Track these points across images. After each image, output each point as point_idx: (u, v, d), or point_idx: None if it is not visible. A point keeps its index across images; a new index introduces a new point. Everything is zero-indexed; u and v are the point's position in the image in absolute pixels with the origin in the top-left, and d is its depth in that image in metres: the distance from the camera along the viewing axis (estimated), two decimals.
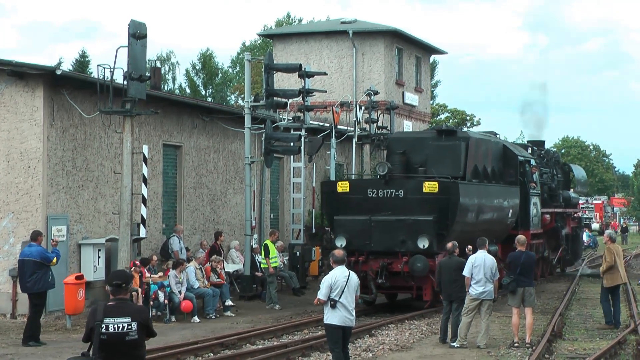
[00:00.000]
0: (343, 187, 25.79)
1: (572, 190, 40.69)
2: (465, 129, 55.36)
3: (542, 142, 39.50)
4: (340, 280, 14.18)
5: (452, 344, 19.01)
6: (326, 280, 14.26)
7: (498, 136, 32.92)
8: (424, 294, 24.94)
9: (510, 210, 29.33)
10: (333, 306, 14.11)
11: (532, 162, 32.62)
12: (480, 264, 18.89)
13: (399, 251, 24.65)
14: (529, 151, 34.51)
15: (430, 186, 24.75)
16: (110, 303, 9.50)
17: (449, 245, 20.12)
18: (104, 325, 9.27)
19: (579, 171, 44.67)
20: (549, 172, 36.25)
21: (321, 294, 14.20)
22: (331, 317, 14.19)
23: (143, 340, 9.57)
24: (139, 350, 9.51)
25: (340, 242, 24.89)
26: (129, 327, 9.35)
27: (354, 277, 14.40)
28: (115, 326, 9.31)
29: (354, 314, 14.35)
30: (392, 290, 26.14)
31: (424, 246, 24.37)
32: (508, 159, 30.40)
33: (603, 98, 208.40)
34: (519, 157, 30.79)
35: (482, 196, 27.13)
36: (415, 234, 24.48)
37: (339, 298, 14.09)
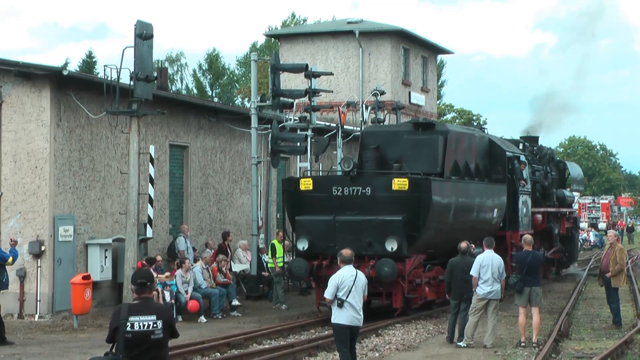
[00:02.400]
0: (306, 184, 23.75)
1: (568, 188, 39.00)
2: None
3: (536, 138, 37.67)
4: (347, 279, 14.18)
5: (458, 343, 19.01)
6: (333, 280, 14.28)
7: (485, 131, 31.39)
8: (393, 300, 23.14)
9: (496, 210, 27.52)
10: (340, 305, 14.12)
11: (522, 158, 30.77)
12: (488, 264, 18.87)
13: (366, 254, 22.49)
14: (520, 147, 32.75)
15: (399, 183, 22.81)
16: (134, 302, 9.37)
17: (463, 245, 20.05)
18: (129, 324, 9.10)
19: (575, 169, 42.58)
20: (541, 169, 34.58)
21: (327, 293, 14.22)
22: (339, 316, 14.20)
23: (167, 340, 9.37)
24: (163, 351, 9.33)
25: (302, 244, 23.17)
26: (155, 325, 9.18)
27: (361, 276, 14.40)
28: (141, 324, 9.14)
29: (361, 313, 14.34)
30: None
31: (392, 249, 22.37)
32: (495, 155, 28.51)
33: (610, 98, 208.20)
34: (507, 153, 28.91)
35: (460, 194, 25.31)
36: (383, 236, 22.53)
37: (347, 297, 14.10)
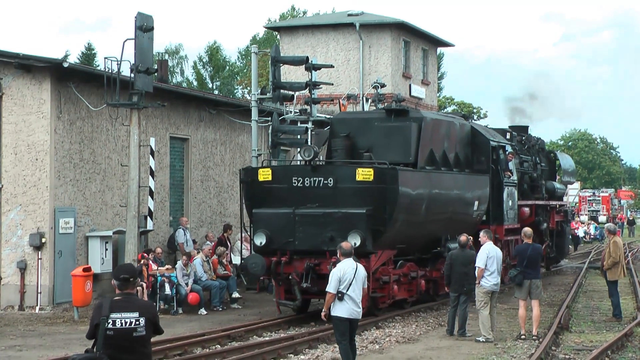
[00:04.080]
0: (265, 174, 22.06)
1: (558, 180, 37.39)
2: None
3: (525, 128, 35.60)
4: (348, 272, 14.21)
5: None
6: (335, 274, 14.29)
7: (472, 119, 29.86)
8: None
9: (477, 202, 25.78)
10: (340, 298, 14.14)
11: (508, 148, 29.01)
12: (494, 256, 18.91)
13: (327, 250, 20.78)
14: (508, 137, 30.95)
15: (364, 174, 21.17)
16: (116, 298, 9.12)
17: (463, 238, 20.08)
18: (110, 321, 8.87)
19: (566, 160, 40.48)
20: (530, 160, 32.83)
21: (330, 287, 14.22)
22: (339, 309, 14.22)
23: (150, 337, 9.14)
24: (145, 347, 9.09)
25: (260, 239, 21.51)
26: (137, 322, 8.95)
27: (361, 269, 14.43)
28: (123, 321, 8.91)
29: (361, 306, 14.38)
30: (320, 296, 21.37)
31: (355, 244, 19.90)
32: (478, 144, 26.88)
33: (613, 91, 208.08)
34: (491, 142, 27.22)
35: (434, 186, 23.60)
36: (345, 230, 20.76)
37: (347, 290, 14.12)
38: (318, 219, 21.23)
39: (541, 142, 35.86)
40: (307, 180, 21.52)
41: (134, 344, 8.97)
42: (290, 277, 21.22)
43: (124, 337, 8.91)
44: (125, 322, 8.92)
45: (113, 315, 8.90)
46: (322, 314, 14.74)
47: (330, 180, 21.37)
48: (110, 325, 8.88)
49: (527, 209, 30.84)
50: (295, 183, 21.63)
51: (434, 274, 24.31)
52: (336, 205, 21.18)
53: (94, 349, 8.90)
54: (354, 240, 20.25)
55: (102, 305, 9.02)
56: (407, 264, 23.14)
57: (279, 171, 22.66)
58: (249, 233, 22.39)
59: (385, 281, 22.00)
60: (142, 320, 8.98)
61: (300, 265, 21.20)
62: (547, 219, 34.09)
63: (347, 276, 14.18)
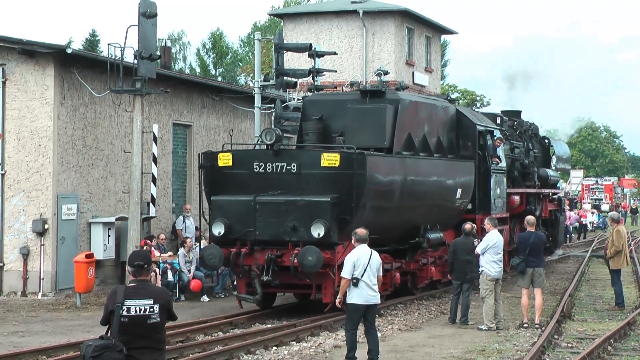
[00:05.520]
0: (225, 159, 20.51)
1: (552, 167, 35.40)
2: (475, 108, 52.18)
3: (518, 112, 33.95)
4: (363, 258, 14.24)
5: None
6: (349, 259, 14.30)
7: (457, 103, 27.88)
8: (323, 294, 19.80)
9: (460, 190, 24.18)
10: (355, 284, 14.13)
11: (497, 133, 27.38)
12: (499, 244, 18.94)
13: (289, 241, 19.50)
14: (498, 121, 29.30)
15: (329, 159, 19.63)
16: (130, 284, 9.18)
17: (467, 226, 20.13)
18: (125, 308, 8.90)
19: (560, 146, 38.72)
20: (522, 146, 31.12)
21: (345, 273, 14.22)
22: (355, 296, 14.23)
23: (164, 323, 9.19)
24: (160, 334, 9.15)
25: (218, 229, 19.92)
26: (151, 309, 8.98)
27: (376, 256, 14.45)
28: (137, 308, 8.93)
29: (377, 290, 14.34)
30: (284, 289, 21.18)
31: (319, 234, 19.13)
32: (463, 129, 25.37)
33: (617, 79, 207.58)
34: (478, 127, 25.69)
35: (410, 172, 21.94)
36: (309, 219, 19.33)
37: (362, 276, 14.13)
38: (280, 207, 19.69)
39: (534, 127, 34.29)
40: (269, 165, 20.02)
41: (149, 330, 9.00)
42: (250, 269, 19.77)
43: (139, 324, 8.95)
44: (140, 309, 8.95)
45: (127, 302, 8.93)
46: (337, 300, 14.74)
47: (294, 166, 19.86)
48: (124, 312, 8.91)
49: (517, 197, 29.19)
50: (256, 169, 20.13)
51: (412, 265, 22.92)
52: (300, 193, 19.69)
53: (108, 335, 8.94)
54: (318, 231, 19.17)
55: (116, 292, 9.04)
56: (381, 255, 21.98)
57: (240, 156, 20.95)
58: (208, 222, 20.76)
59: None
60: (156, 307, 9.01)
61: (261, 257, 19.66)
62: (540, 207, 32.45)
63: (362, 261, 14.19)
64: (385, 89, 22.67)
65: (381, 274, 14.61)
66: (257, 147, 22.53)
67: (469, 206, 25.19)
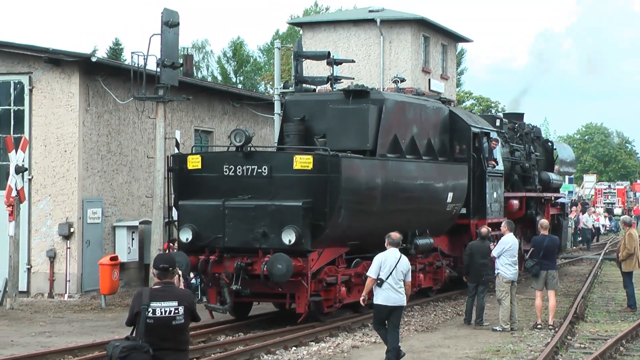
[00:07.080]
0: (194, 162, 19.45)
1: (555, 171, 34.08)
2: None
3: (521, 115, 32.71)
4: (390, 260, 14.47)
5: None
6: (377, 259, 14.58)
7: (452, 103, 27.08)
8: (297, 304, 18.72)
9: (451, 194, 23.07)
10: (380, 285, 14.38)
11: (493, 135, 26.05)
12: (514, 247, 19.32)
13: (259, 248, 18.44)
14: (498, 123, 28.22)
15: (302, 161, 18.54)
16: (156, 287, 9.28)
17: (484, 230, 20.52)
18: (150, 310, 9.00)
19: (564, 150, 37.72)
20: (522, 149, 29.86)
21: (371, 272, 14.49)
22: (379, 296, 14.51)
23: (188, 325, 9.32)
24: (184, 335, 9.25)
25: (186, 235, 18.81)
26: (176, 311, 9.09)
27: (405, 260, 14.63)
28: (162, 310, 9.05)
29: (402, 293, 14.51)
30: (254, 299, 19.80)
31: (290, 241, 18.07)
32: (457, 131, 24.26)
33: (628, 84, 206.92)
34: (473, 128, 24.57)
35: (392, 175, 20.83)
36: (280, 225, 18.22)
37: (386, 278, 14.36)
38: (249, 212, 18.60)
39: (537, 130, 33.10)
40: (239, 168, 18.98)
41: (173, 331, 9.13)
42: (219, 278, 18.73)
43: (164, 326, 9.07)
44: (165, 311, 9.07)
45: (153, 304, 9.05)
46: (361, 299, 15.00)
47: (265, 169, 18.78)
48: (150, 314, 9.03)
49: (516, 202, 27.96)
50: (226, 172, 19.06)
51: None
52: (271, 197, 18.61)
53: (134, 336, 9.12)
54: (289, 237, 18.10)
55: (142, 294, 9.17)
56: (362, 263, 19.88)
57: (210, 158, 20.07)
58: (177, 228, 19.60)
59: (330, 283, 19.19)
60: (181, 309, 9.14)
61: (230, 265, 18.56)
62: (542, 212, 31.10)
63: (389, 263, 14.40)
64: (369, 89, 21.64)
65: (409, 279, 14.73)
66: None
67: (463, 210, 24.23)
